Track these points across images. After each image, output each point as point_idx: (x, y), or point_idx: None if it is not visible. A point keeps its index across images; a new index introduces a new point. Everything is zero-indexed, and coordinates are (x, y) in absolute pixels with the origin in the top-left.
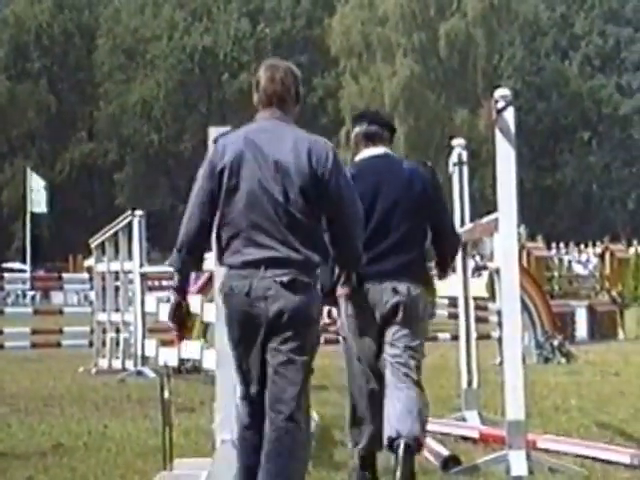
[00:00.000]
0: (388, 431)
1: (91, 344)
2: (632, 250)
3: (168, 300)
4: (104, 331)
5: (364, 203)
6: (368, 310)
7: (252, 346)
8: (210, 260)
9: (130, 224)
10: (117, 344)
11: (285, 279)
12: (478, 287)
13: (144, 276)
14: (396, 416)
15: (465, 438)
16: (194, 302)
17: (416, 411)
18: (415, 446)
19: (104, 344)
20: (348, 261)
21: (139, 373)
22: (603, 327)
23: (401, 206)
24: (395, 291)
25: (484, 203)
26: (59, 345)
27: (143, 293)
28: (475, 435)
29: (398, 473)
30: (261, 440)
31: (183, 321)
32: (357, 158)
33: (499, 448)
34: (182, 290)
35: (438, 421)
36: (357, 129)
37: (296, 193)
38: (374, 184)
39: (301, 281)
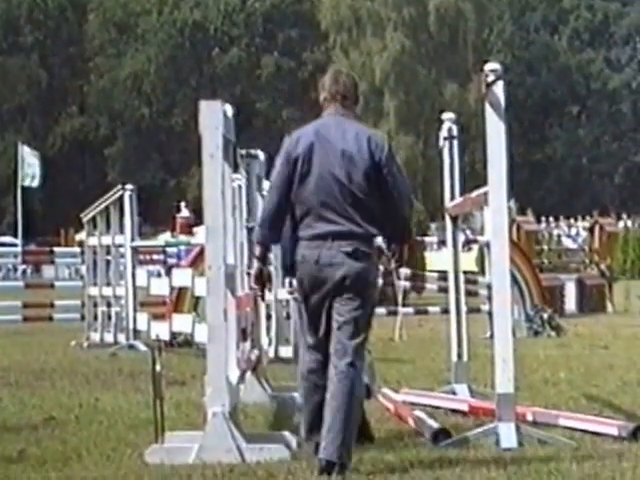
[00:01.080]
0: None
1: (83, 318)
2: (621, 224)
3: (159, 274)
4: (95, 305)
5: None
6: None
7: (320, 304)
8: (201, 234)
9: (121, 198)
10: (109, 318)
11: (349, 249)
12: (468, 261)
13: (135, 250)
14: None
15: (454, 411)
16: (185, 276)
17: None
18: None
19: (96, 318)
20: (397, 235)
21: (131, 347)
22: (592, 300)
23: None
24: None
25: (474, 177)
26: (51, 319)
27: (134, 267)
28: (464, 408)
29: None
30: (323, 380)
31: (264, 284)
32: None
33: (488, 421)
34: (264, 259)
35: (428, 394)
36: None
37: (358, 176)
38: None
39: (362, 251)
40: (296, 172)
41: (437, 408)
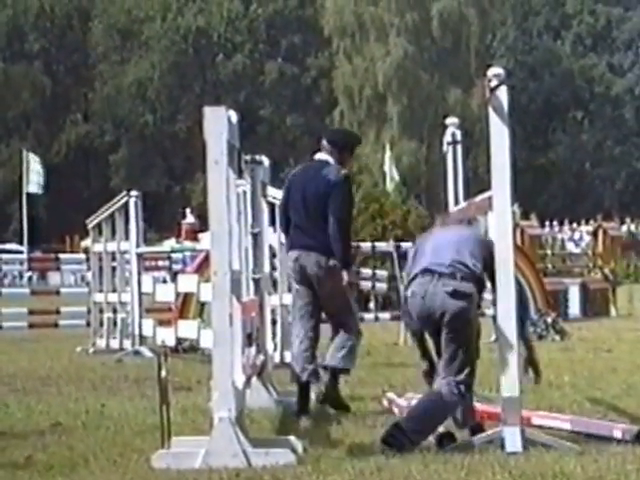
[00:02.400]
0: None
1: (88, 324)
2: (624, 228)
3: (164, 280)
4: (101, 311)
5: (298, 190)
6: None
7: (430, 331)
8: (206, 240)
9: (126, 204)
10: (114, 324)
11: (449, 289)
12: None
13: (141, 256)
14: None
15: None
16: (190, 281)
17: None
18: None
19: (101, 324)
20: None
21: (136, 353)
22: (596, 304)
23: (310, 198)
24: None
25: (477, 182)
26: (56, 325)
27: (140, 273)
28: None
29: (323, 388)
30: None
31: None
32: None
33: (493, 425)
34: None
35: None
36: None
37: None
38: (303, 179)
39: (461, 292)
40: None
41: None
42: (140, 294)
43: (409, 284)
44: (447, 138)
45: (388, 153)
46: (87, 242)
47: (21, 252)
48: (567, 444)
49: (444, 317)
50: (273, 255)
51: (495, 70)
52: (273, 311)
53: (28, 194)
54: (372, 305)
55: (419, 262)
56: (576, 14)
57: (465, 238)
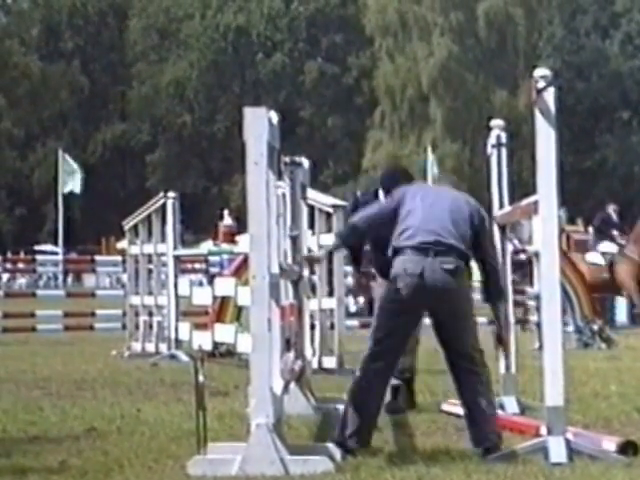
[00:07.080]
0: None
1: (124, 327)
2: None
3: (201, 283)
4: (137, 314)
5: None
6: None
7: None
8: (244, 242)
9: (164, 206)
10: (150, 327)
11: (450, 267)
12: None
13: (177, 259)
14: None
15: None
16: (228, 285)
17: None
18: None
19: (137, 327)
20: None
21: (172, 357)
22: None
23: None
24: None
25: (521, 185)
26: (92, 328)
27: (176, 276)
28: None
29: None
30: None
31: None
32: None
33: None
34: None
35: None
36: None
37: None
38: None
39: (460, 269)
40: None
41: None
42: (177, 297)
43: (395, 255)
44: (492, 141)
45: (430, 155)
46: (123, 244)
47: (56, 253)
48: (614, 455)
49: (445, 295)
50: None
51: (542, 71)
52: (312, 316)
53: (64, 194)
54: None
55: (409, 232)
56: (625, 12)
57: (458, 206)
